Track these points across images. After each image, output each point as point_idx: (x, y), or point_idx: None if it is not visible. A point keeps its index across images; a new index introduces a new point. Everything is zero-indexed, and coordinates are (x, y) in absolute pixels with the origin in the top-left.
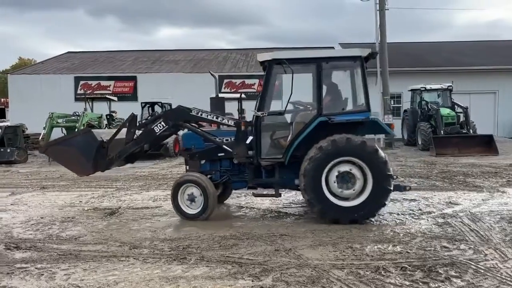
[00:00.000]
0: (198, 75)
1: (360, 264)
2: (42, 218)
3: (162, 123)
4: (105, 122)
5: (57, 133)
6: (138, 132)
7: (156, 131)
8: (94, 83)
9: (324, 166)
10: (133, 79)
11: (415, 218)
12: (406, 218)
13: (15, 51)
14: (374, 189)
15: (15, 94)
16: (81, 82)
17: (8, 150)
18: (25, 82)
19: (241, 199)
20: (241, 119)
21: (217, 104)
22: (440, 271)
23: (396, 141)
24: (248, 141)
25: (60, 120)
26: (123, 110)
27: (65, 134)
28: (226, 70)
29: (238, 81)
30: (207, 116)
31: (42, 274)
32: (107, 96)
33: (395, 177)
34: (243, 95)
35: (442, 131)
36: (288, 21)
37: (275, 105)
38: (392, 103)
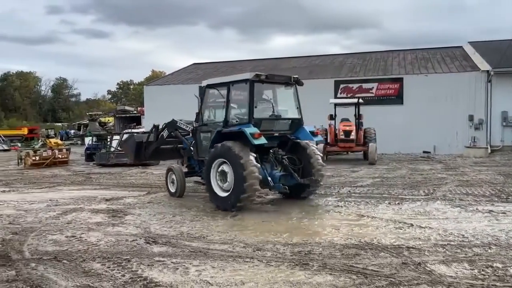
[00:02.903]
0: (313, 81)
1: (504, 286)
2: (174, 216)
3: (166, 131)
4: None
5: None
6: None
7: (164, 136)
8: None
9: (210, 164)
10: None
11: None
12: None
13: (148, 64)
14: (235, 184)
15: (149, 103)
16: None
17: None
18: (157, 92)
19: (361, 207)
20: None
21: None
22: None
23: None
24: (192, 145)
25: None
26: None
27: None
28: (343, 75)
29: (355, 86)
30: (183, 126)
31: (177, 268)
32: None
33: (320, 183)
34: (360, 100)
35: None
36: (406, 23)
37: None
38: None
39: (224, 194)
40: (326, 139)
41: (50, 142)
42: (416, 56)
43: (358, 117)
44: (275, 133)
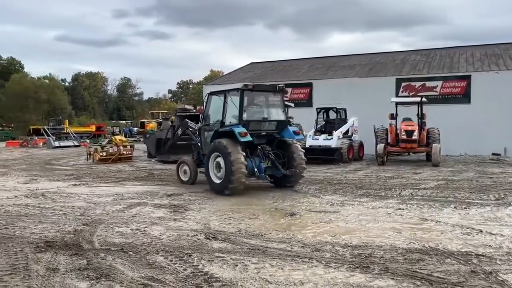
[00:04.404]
0: (373, 79)
1: None
2: (232, 213)
3: (181, 129)
4: None
5: None
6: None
7: (179, 134)
8: None
9: (209, 157)
10: (309, 85)
11: None
12: None
13: (207, 64)
14: (226, 173)
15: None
16: None
17: None
18: None
19: (424, 210)
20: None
21: None
22: None
23: None
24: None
25: None
26: (299, 116)
27: None
28: (405, 72)
29: (417, 84)
30: (193, 125)
31: (237, 265)
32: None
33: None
34: (423, 99)
35: None
36: (473, 17)
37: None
38: None
39: (218, 181)
40: (386, 139)
41: (116, 139)
42: (485, 52)
43: (421, 116)
44: (263, 132)
